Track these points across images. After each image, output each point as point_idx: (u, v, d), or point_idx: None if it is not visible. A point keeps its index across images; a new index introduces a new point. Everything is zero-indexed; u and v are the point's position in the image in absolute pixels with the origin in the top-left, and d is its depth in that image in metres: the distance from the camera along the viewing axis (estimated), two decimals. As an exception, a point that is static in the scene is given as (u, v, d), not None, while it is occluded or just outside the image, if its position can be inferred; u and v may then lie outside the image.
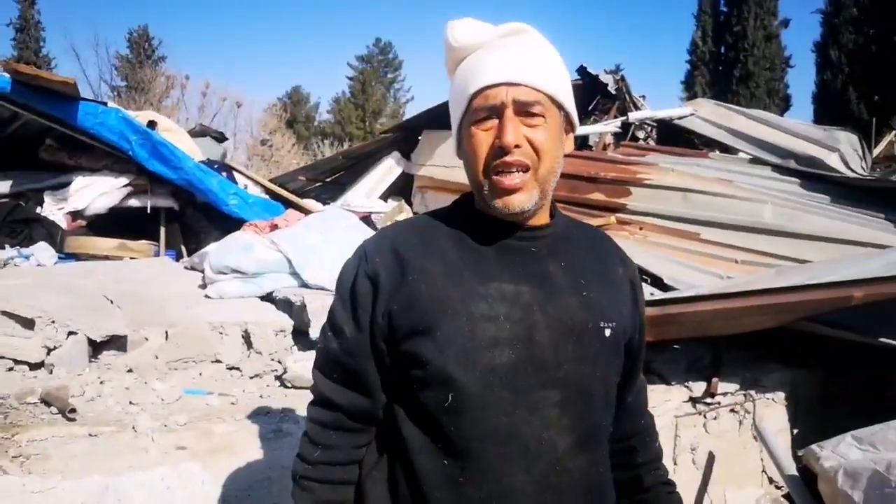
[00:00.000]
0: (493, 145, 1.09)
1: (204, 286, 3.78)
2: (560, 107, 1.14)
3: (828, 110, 20.07)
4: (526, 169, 1.10)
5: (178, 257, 5.48)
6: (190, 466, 2.17)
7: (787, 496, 2.88)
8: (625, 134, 7.21)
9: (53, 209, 5.22)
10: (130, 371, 2.89)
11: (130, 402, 2.51)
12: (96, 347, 2.99)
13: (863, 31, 21.33)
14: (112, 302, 3.40)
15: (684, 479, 3.01)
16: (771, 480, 3.14)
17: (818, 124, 6.25)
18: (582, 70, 9.16)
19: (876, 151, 7.80)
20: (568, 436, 1.12)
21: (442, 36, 1.16)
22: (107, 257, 4.80)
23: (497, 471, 1.09)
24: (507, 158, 1.08)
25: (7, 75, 4.87)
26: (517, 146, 1.08)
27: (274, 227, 4.09)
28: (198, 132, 7.62)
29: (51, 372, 2.77)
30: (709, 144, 6.14)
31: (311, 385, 1.26)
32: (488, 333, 1.09)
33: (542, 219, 1.19)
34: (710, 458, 3.02)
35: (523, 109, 1.09)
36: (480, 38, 1.14)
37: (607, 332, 1.15)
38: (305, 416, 1.26)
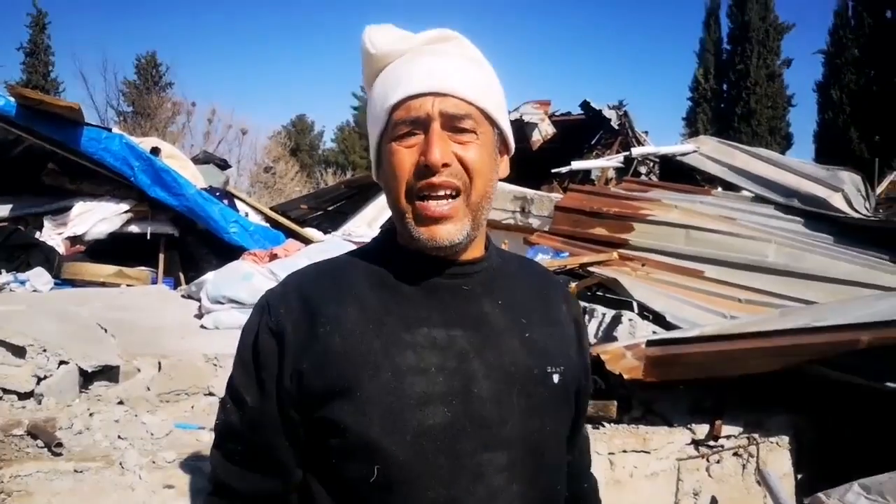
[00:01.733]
0: (418, 164, 0.93)
1: (200, 316, 3.74)
2: (494, 123, 1.00)
3: (829, 149, 20.18)
4: (456, 193, 0.95)
5: (176, 285, 5.45)
6: (177, 506, 2.11)
7: (792, 545, 2.79)
8: (627, 169, 7.24)
9: (52, 234, 5.21)
10: (121, 403, 2.83)
11: (119, 437, 2.44)
12: (87, 377, 2.94)
13: (864, 71, 21.56)
14: (106, 331, 3.35)
15: (687, 525, 2.93)
16: (775, 528, 3.05)
17: (820, 164, 6.27)
18: (585, 105, 9.26)
19: (878, 191, 7.81)
20: (517, 500, 0.97)
21: (360, 44, 1.00)
22: (103, 284, 4.77)
23: None
24: (434, 179, 0.93)
25: (13, 99, 4.89)
26: (445, 165, 0.93)
27: (273, 256, 4.06)
28: (201, 159, 7.66)
29: (39, 402, 2.71)
30: (711, 181, 6.15)
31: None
32: (418, 389, 0.92)
33: (475, 252, 1.02)
34: (714, 503, 2.94)
35: (452, 124, 0.94)
36: (402, 45, 0.98)
37: (555, 378, 1.01)
38: None
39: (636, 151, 7.11)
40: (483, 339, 0.98)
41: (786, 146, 23.09)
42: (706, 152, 6.10)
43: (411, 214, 0.95)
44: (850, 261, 3.88)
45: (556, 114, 9.68)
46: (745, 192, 5.35)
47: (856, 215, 4.48)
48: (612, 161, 7.30)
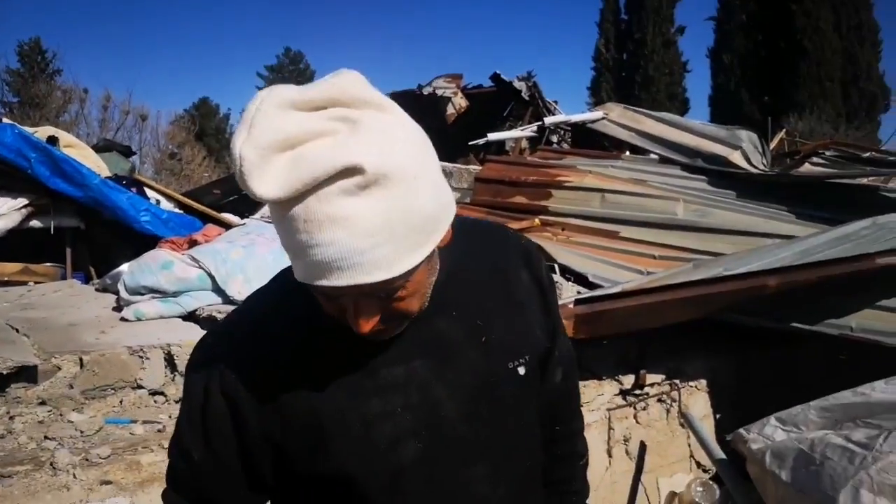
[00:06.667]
0: (346, 314, 0.84)
1: (119, 308, 3.58)
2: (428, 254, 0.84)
3: (723, 112, 21.29)
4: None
5: (88, 279, 5.18)
6: (118, 502, 2.05)
7: (713, 478, 3.00)
8: (540, 139, 7.40)
9: (-56, 234, 4.83)
10: (43, 403, 2.70)
11: (46, 437, 2.34)
12: (2, 380, 2.77)
13: (752, 36, 22.75)
14: (17, 330, 3.17)
15: (619, 469, 3.10)
16: (699, 464, 3.28)
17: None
18: (496, 77, 9.35)
19: (770, 147, 8.32)
20: (506, 501, 1.01)
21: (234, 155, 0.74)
22: (8, 282, 4.48)
23: None
24: (367, 334, 0.85)
25: None
26: (375, 327, 0.85)
27: (193, 242, 3.93)
28: (102, 147, 7.24)
29: (-48, 410, 2.55)
30: (619, 146, 6.37)
31: None
32: (386, 433, 0.92)
33: None
34: (642, 448, 3.12)
35: (376, 294, 0.82)
36: (293, 189, 0.74)
37: (521, 371, 1.00)
38: None
39: (548, 121, 7.27)
40: (441, 362, 0.95)
41: (683, 110, 24.20)
42: (614, 118, 6.31)
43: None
44: (752, 213, 4.14)
45: (468, 87, 9.74)
46: (652, 155, 5.58)
47: (754, 171, 4.76)
48: (526, 131, 7.44)
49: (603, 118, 6.43)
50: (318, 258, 0.76)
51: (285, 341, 0.93)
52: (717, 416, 3.30)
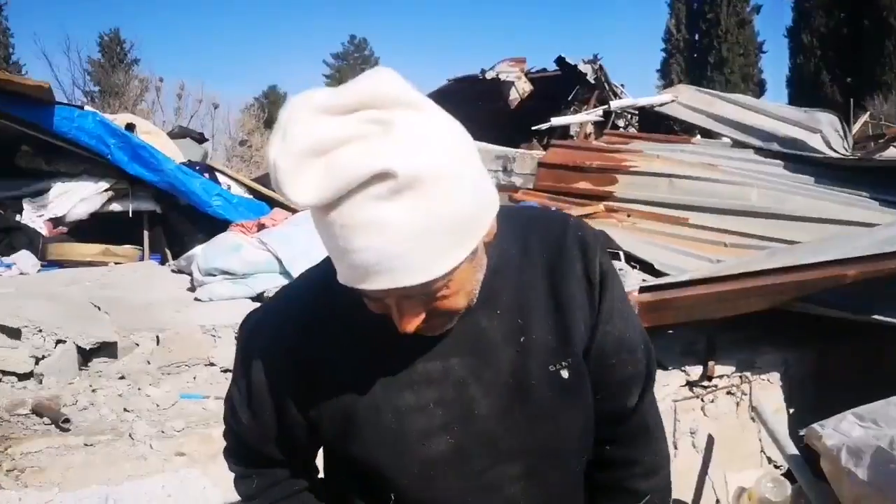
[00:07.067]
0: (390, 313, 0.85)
1: (193, 289, 3.73)
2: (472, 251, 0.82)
3: (802, 94, 20.34)
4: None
5: (164, 261, 5.40)
6: (190, 473, 2.14)
7: (786, 474, 2.90)
8: (605, 123, 7.24)
9: (33, 216, 5.12)
10: (123, 378, 2.84)
11: (125, 410, 2.46)
12: (86, 355, 2.94)
13: (833, 14, 21.60)
14: (100, 308, 3.34)
15: (685, 463, 3.03)
16: (770, 460, 3.17)
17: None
18: (560, 60, 9.17)
19: (853, 131, 7.91)
20: None
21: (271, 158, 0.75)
22: (90, 263, 4.72)
23: None
24: (410, 333, 0.85)
25: (-22, 81, 4.75)
26: (419, 326, 0.85)
27: (261, 226, 4.04)
28: (177, 134, 7.51)
29: (40, 382, 2.71)
30: (690, 130, 6.18)
31: None
32: (417, 426, 0.93)
33: None
34: (710, 441, 3.03)
35: (420, 294, 0.82)
36: (327, 196, 0.74)
37: (564, 374, 0.95)
38: None
39: (614, 104, 7.10)
40: (480, 360, 0.94)
41: (759, 92, 23.24)
42: (684, 101, 6.12)
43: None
44: (830, 200, 3.95)
45: (532, 71, 9.60)
46: (724, 139, 5.39)
47: (835, 155, 4.54)
48: (591, 115, 7.29)
49: (672, 101, 6.25)
50: (356, 262, 0.76)
51: (327, 325, 0.95)
52: (791, 410, 3.18)
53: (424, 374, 0.93)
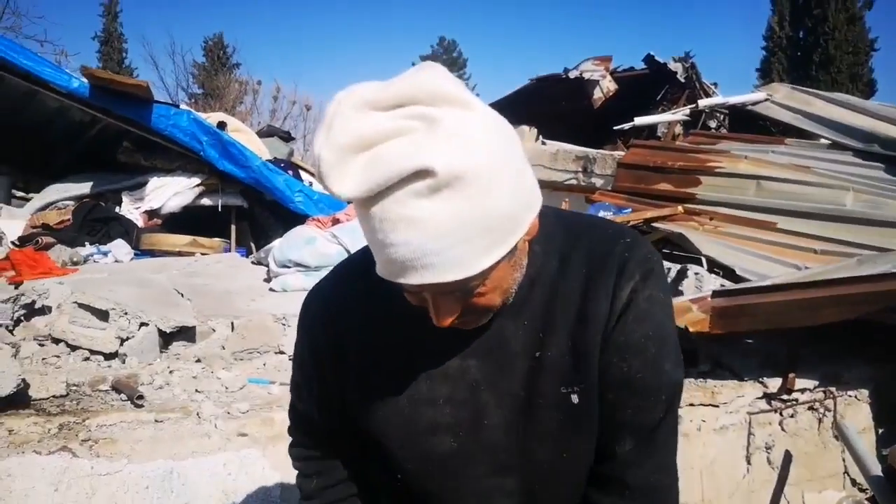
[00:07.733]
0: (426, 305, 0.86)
1: (269, 280, 3.87)
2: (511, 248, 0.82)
3: (919, 94, 18.88)
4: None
5: (248, 253, 5.64)
6: (251, 452, 2.22)
7: (871, 499, 2.70)
8: (695, 123, 6.97)
9: (130, 208, 5.47)
10: (198, 361, 2.97)
11: (196, 391, 2.57)
12: (167, 338, 3.09)
13: (958, 8, 19.96)
14: (182, 295, 3.51)
15: (758, 478, 2.87)
16: (854, 482, 2.96)
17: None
18: (649, 59, 8.93)
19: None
20: None
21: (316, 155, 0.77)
22: (179, 253, 4.99)
23: None
24: (447, 326, 0.86)
25: (86, 81, 5.12)
26: (455, 319, 0.86)
27: (336, 221, 4.14)
28: (265, 132, 7.83)
29: (123, 361, 2.88)
30: (785, 131, 5.85)
31: None
32: (426, 419, 0.96)
33: None
34: (787, 458, 2.86)
35: (456, 291, 0.83)
36: (368, 190, 0.75)
37: (574, 399, 0.92)
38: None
39: (702, 103, 6.83)
40: (497, 368, 0.94)
41: (869, 93, 21.75)
42: (778, 100, 5.80)
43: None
44: (936, 206, 3.65)
45: (618, 70, 9.38)
46: (821, 140, 5.07)
47: (944, 159, 4.19)
48: (677, 115, 7.04)
49: (766, 100, 5.94)
50: (394, 257, 0.77)
51: (365, 311, 1.00)
52: (880, 430, 2.96)
53: (442, 369, 0.95)
